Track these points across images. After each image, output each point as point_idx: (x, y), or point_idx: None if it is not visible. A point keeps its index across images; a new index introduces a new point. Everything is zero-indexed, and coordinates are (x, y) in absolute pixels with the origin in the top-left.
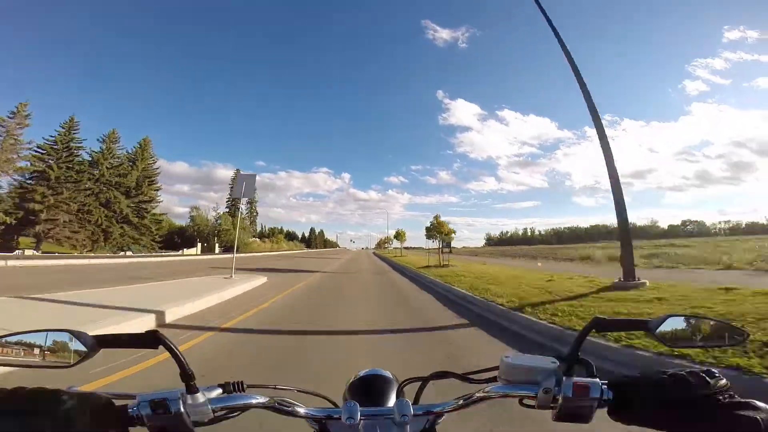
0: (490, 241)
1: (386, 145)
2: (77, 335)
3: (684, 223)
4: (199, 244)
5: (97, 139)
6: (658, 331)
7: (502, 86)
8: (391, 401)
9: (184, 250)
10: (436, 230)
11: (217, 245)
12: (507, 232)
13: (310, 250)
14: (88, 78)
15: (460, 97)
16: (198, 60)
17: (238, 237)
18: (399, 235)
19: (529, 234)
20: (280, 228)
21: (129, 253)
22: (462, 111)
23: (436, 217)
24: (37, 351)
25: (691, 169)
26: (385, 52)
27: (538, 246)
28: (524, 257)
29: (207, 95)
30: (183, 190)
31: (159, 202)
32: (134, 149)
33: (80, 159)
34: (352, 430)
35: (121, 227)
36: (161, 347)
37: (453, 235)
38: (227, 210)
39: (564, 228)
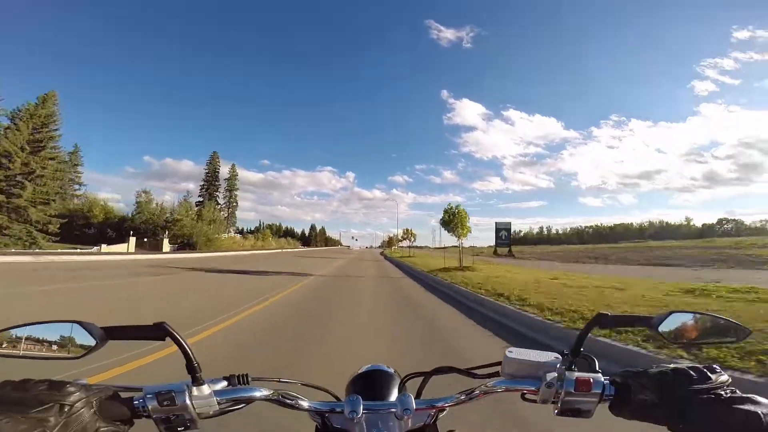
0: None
1: (390, 144)
2: (86, 326)
3: (720, 221)
4: (133, 239)
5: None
6: (660, 327)
7: (507, 86)
8: (393, 396)
9: (103, 246)
10: (457, 222)
11: (166, 241)
12: (519, 231)
13: (308, 249)
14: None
15: (465, 96)
16: (204, 59)
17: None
18: (408, 234)
19: (545, 233)
20: (277, 225)
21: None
22: (467, 111)
23: (457, 207)
24: (45, 343)
25: (700, 170)
26: (390, 52)
27: (568, 246)
28: (565, 259)
29: (212, 94)
30: (190, 188)
31: (79, 184)
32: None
33: None
34: (354, 424)
35: None
36: (168, 339)
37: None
38: (195, 197)
39: (585, 227)
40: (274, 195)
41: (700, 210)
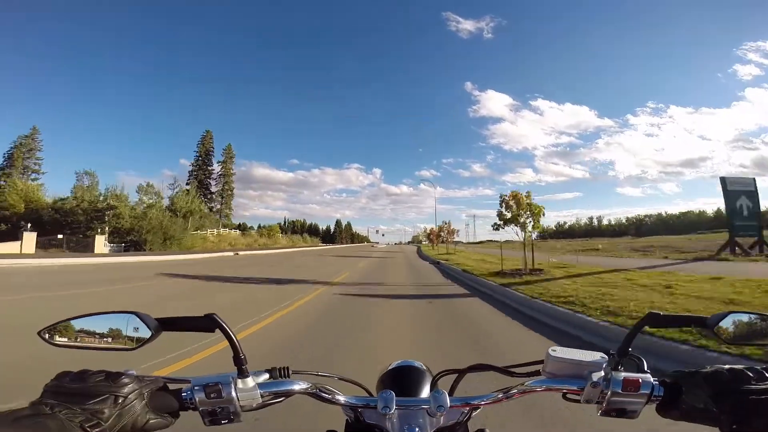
0: (544, 234)
1: (416, 139)
2: (142, 317)
3: None
4: (31, 235)
5: None
6: (716, 327)
7: (533, 75)
8: (425, 392)
9: None
10: (518, 211)
11: (101, 238)
12: (565, 223)
13: (328, 247)
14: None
15: (490, 88)
16: (230, 63)
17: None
18: (447, 229)
19: (596, 225)
20: (301, 221)
21: None
22: (493, 102)
23: (516, 195)
24: (101, 334)
25: (749, 157)
26: (409, 47)
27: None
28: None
29: (242, 96)
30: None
31: None
32: None
33: None
34: (385, 419)
35: None
36: (217, 330)
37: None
38: (184, 185)
39: (644, 216)
40: (304, 194)
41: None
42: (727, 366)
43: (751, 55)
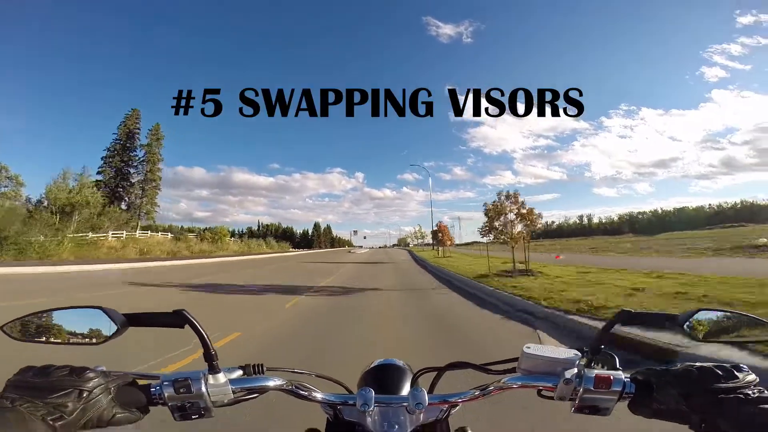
0: (534, 234)
1: (397, 143)
2: (108, 312)
3: None
4: None
5: None
6: (686, 325)
7: (510, 79)
8: (405, 390)
9: None
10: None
11: None
12: (552, 222)
13: (299, 253)
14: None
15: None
16: (206, 64)
17: None
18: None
19: (586, 223)
20: (276, 225)
21: None
22: (472, 106)
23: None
24: (67, 328)
25: (717, 157)
26: (389, 50)
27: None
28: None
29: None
30: (202, 195)
31: None
32: None
33: None
34: (365, 417)
35: None
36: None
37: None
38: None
39: (637, 213)
40: (286, 198)
41: (722, 197)
42: (697, 364)
43: (717, 58)
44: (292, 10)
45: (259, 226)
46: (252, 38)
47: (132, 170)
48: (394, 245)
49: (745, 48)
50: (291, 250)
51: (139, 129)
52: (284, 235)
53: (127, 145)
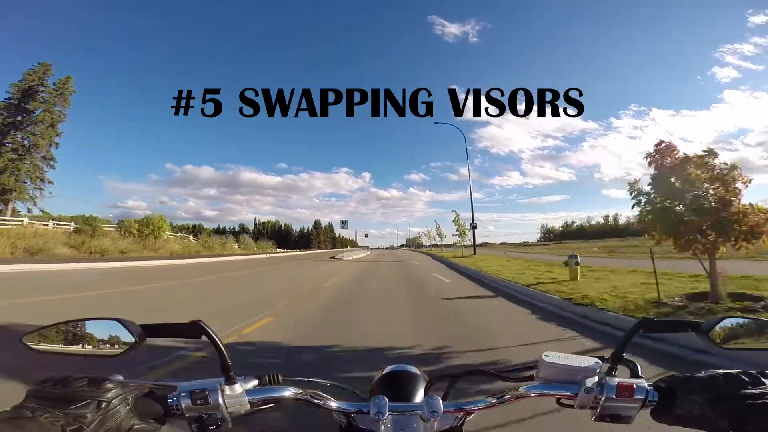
0: (549, 235)
1: (404, 143)
2: (126, 324)
3: None
4: None
5: None
6: (711, 332)
7: (516, 78)
8: (419, 397)
9: None
10: None
11: None
12: (572, 222)
13: (282, 255)
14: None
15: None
16: (214, 64)
17: None
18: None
19: (612, 223)
20: (273, 221)
21: None
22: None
23: None
24: (86, 340)
25: (730, 158)
26: (395, 49)
27: None
28: None
29: (229, 100)
30: (211, 194)
31: None
32: None
33: None
34: (379, 425)
35: None
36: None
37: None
38: None
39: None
40: (293, 198)
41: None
42: (722, 370)
43: (729, 58)
44: (296, 10)
45: (255, 224)
46: (256, 37)
47: (18, 135)
48: (402, 246)
49: (758, 48)
50: (275, 251)
51: (44, 81)
52: (279, 233)
53: (23, 104)
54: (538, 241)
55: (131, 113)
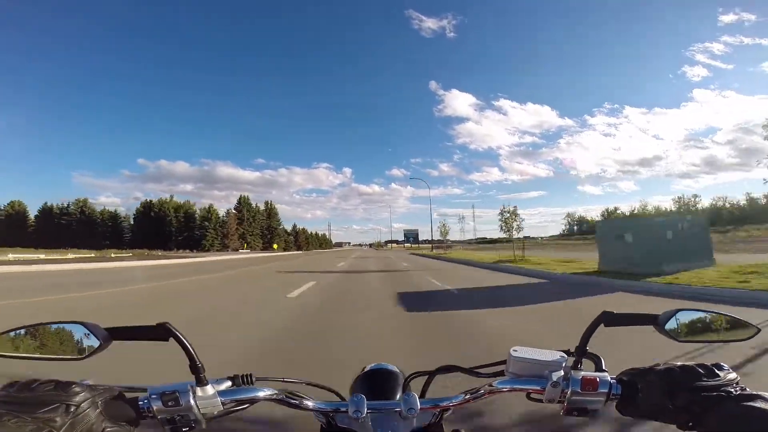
0: (573, 228)
1: (384, 138)
2: (90, 327)
3: None
4: None
5: None
6: (667, 325)
7: (495, 75)
8: (398, 395)
9: None
10: None
11: None
12: (596, 216)
13: (189, 261)
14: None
15: (454, 87)
16: (192, 59)
17: None
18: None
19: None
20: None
21: None
22: (457, 101)
23: None
24: (49, 343)
25: (699, 156)
26: (373, 44)
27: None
28: None
29: (202, 93)
30: (187, 189)
31: None
32: None
33: None
34: (358, 424)
35: None
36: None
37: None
38: None
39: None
40: (272, 194)
41: (705, 196)
42: (678, 362)
43: (699, 57)
44: (274, 4)
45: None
46: (230, 33)
47: None
48: (386, 242)
49: (727, 47)
50: (190, 256)
51: None
52: None
53: None
54: (557, 237)
55: (99, 106)
